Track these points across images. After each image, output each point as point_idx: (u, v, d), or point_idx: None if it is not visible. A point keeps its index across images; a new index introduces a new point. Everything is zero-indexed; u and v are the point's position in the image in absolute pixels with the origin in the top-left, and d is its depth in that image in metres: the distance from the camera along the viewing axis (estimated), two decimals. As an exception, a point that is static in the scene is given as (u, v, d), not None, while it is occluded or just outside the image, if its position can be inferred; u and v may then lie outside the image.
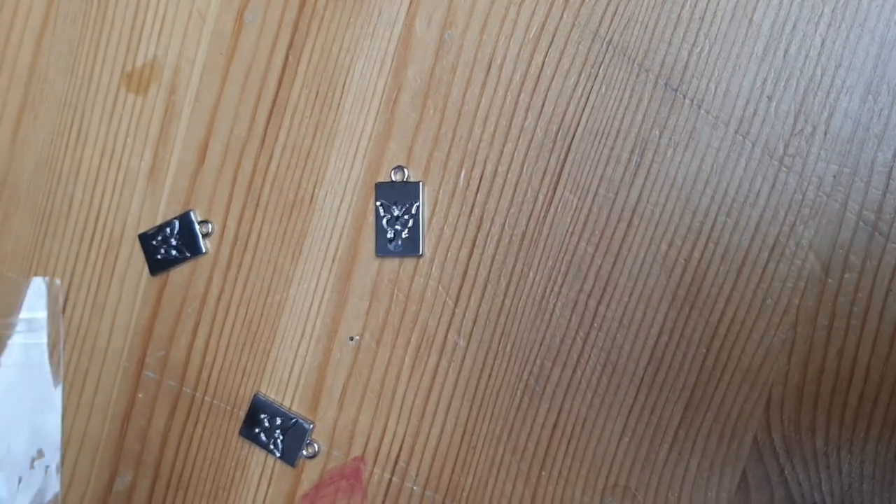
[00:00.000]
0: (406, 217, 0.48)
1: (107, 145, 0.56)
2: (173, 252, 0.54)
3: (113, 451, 0.56)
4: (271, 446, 0.51)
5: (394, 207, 0.49)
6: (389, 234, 0.49)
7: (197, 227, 0.53)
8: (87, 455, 0.57)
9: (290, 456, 0.51)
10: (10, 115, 0.58)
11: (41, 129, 0.57)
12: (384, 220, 0.49)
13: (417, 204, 0.48)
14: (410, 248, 0.48)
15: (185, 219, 0.54)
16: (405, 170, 0.49)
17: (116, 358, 0.56)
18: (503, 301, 0.48)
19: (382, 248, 0.49)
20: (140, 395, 0.56)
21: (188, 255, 0.53)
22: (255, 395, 0.52)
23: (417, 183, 0.48)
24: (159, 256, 0.54)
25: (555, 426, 0.47)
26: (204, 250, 0.53)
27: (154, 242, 0.55)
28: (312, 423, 0.51)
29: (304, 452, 0.51)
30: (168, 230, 0.54)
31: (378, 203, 0.49)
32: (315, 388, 0.51)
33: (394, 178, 0.49)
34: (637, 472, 0.46)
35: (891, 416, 0.43)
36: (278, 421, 0.51)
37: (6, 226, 0.58)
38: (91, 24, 0.56)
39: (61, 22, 0.57)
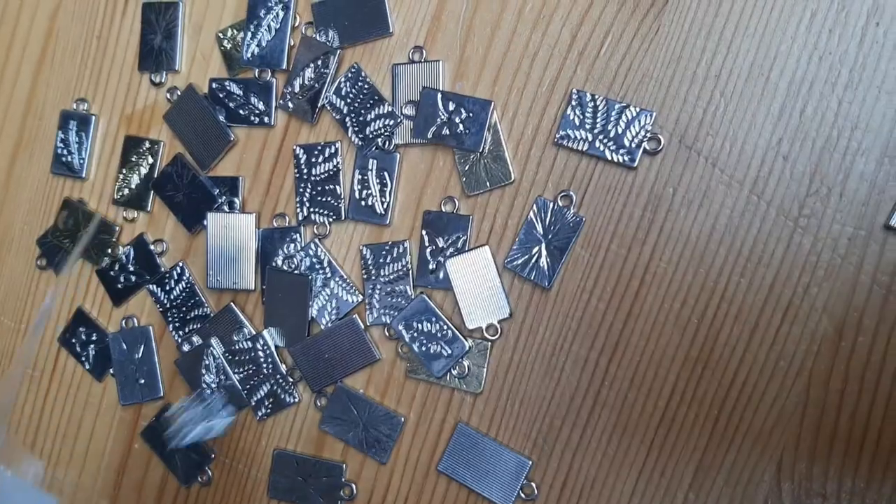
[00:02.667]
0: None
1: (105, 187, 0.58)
2: (133, 278, 0.57)
3: None
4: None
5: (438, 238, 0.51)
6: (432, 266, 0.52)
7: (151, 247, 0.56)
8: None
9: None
10: (4, 151, 0.61)
11: (36, 168, 0.60)
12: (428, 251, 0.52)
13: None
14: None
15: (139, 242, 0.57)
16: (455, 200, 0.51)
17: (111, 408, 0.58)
18: (511, 356, 0.50)
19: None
20: (136, 446, 0.58)
21: (148, 278, 0.56)
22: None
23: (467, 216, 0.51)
24: (120, 286, 0.57)
25: (563, 486, 0.50)
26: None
27: (112, 273, 0.57)
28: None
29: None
30: (124, 259, 0.57)
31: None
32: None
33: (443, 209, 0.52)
34: (647, 534, 0.49)
35: (904, 483, 0.45)
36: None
37: (-1, 267, 0.60)
38: (90, 61, 0.59)
39: (59, 56, 0.60)
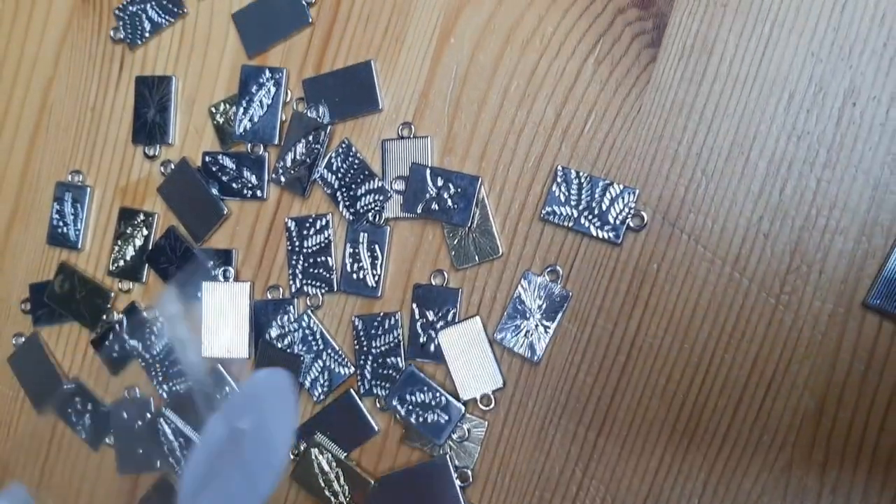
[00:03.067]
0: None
1: (100, 258, 0.60)
2: (127, 347, 0.59)
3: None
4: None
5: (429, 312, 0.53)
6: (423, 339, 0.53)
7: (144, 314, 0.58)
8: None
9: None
10: (1, 221, 0.63)
11: (32, 238, 0.62)
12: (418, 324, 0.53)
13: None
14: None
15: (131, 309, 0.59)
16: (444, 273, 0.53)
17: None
18: (501, 430, 0.52)
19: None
20: (132, 512, 0.60)
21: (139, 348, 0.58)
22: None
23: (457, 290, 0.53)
24: (115, 354, 0.59)
25: (554, 557, 0.51)
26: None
27: (107, 343, 0.59)
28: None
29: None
30: (118, 328, 0.59)
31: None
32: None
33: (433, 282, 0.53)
34: None
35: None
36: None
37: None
38: (84, 133, 0.61)
39: (54, 128, 0.61)
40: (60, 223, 0.61)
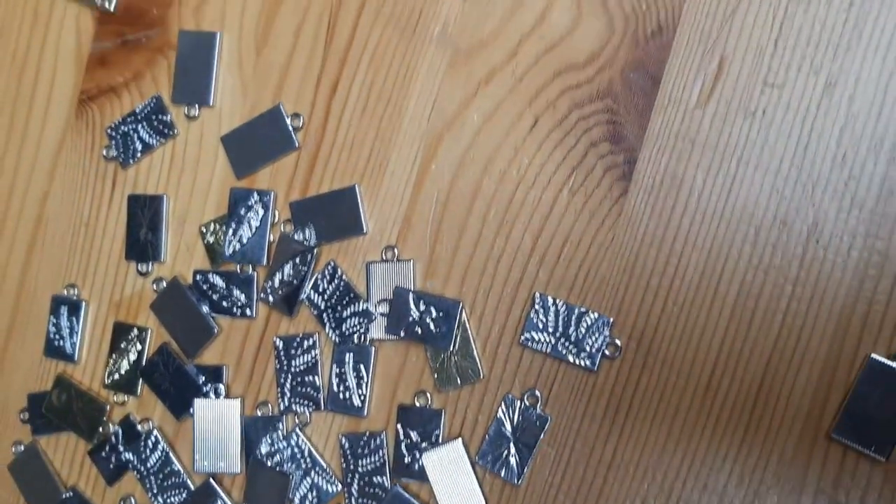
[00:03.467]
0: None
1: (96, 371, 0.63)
2: (122, 458, 0.62)
3: None
4: None
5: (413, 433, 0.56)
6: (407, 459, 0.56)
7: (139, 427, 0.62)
8: None
9: None
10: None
11: (30, 350, 0.65)
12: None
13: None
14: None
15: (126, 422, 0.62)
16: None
17: None
18: (485, 548, 0.54)
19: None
20: None
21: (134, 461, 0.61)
22: None
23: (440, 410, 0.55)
24: (112, 466, 0.63)
25: None
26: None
27: (103, 454, 0.62)
28: None
29: None
30: (113, 439, 0.62)
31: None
32: None
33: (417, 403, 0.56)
34: None
35: None
36: None
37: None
38: (79, 248, 0.64)
39: (49, 241, 0.64)
40: (57, 336, 0.64)
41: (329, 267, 0.57)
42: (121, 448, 0.62)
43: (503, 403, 0.54)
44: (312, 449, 0.58)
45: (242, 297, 0.59)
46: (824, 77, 0.49)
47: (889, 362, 0.47)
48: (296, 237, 0.58)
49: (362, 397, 0.57)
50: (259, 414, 0.59)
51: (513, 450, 0.54)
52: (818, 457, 0.49)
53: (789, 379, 0.50)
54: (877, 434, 0.47)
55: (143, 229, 0.62)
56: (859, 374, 0.48)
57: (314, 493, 0.58)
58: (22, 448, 0.65)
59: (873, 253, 0.48)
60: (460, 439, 0.55)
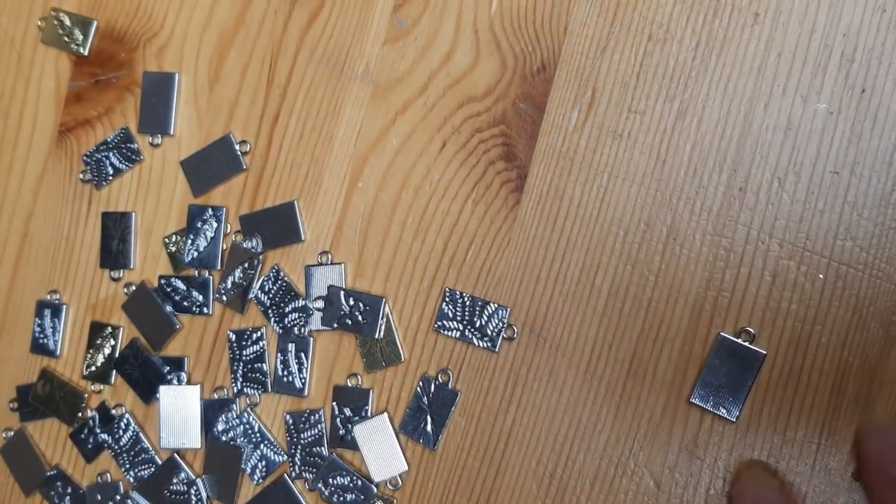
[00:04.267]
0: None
1: (76, 364, 0.65)
2: (99, 439, 0.65)
3: None
4: None
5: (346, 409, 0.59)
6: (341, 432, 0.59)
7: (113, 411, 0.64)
8: None
9: None
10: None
11: (17, 349, 0.67)
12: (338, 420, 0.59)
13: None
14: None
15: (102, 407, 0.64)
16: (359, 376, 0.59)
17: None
18: (408, 504, 0.57)
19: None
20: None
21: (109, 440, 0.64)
22: None
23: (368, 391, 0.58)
24: (90, 446, 0.66)
25: None
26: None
27: (82, 436, 0.65)
28: None
29: None
30: (91, 423, 0.66)
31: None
32: None
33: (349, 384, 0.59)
34: None
35: None
36: None
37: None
38: (60, 259, 0.66)
39: (34, 254, 0.67)
40: (41, 335, 0.66)
41: (273, 270, 0.60)
42: (97, 430, 0.64)
43: (421, 382, 0.57)
44: (261, 426, 0.60)
45: (200, 298, 0.62)
46: (677, 104, 0.53)
47: (735, 339, 0.51)
48: (245, 245, 0.61)
49: (303, 380, 0.59)
50: (216, 397, 0.62)
51: (429, 421, 0.57)
52: (680, 420, 0.52)
53: (654, 355, 0.53)
54: (727, 399, 0.51)
55: (115, 241, 0.64)
56: (711, 349, 0.52)
57: (263, 463, 0.60)
58: (12, 434, 0.67)
59: (720, 248, 0.52)
60: (385, 413, 0.57)
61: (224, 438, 0.60)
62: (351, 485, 0.58)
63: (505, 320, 0.55)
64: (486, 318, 0.56)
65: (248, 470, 0.60)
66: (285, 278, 0.60)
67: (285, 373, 0.59)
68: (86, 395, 0.65)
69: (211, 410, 0.61)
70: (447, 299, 0.56)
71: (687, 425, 0.52)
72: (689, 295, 0.52)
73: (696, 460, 0.52)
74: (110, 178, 0.65)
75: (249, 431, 0.60)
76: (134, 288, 0.64)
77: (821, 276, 0.51)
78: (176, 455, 0.62)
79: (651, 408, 0.53)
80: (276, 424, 0.60)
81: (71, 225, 0.66)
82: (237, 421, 0.60)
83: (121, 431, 0.63)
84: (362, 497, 0.57)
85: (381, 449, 0.57)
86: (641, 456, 0.53)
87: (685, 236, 0.53)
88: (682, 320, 0.52)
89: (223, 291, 0.61)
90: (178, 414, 0.62)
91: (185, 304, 0.62)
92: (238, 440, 0.60)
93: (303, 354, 0.59)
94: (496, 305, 0.55)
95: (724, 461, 0.52)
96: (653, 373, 0.53)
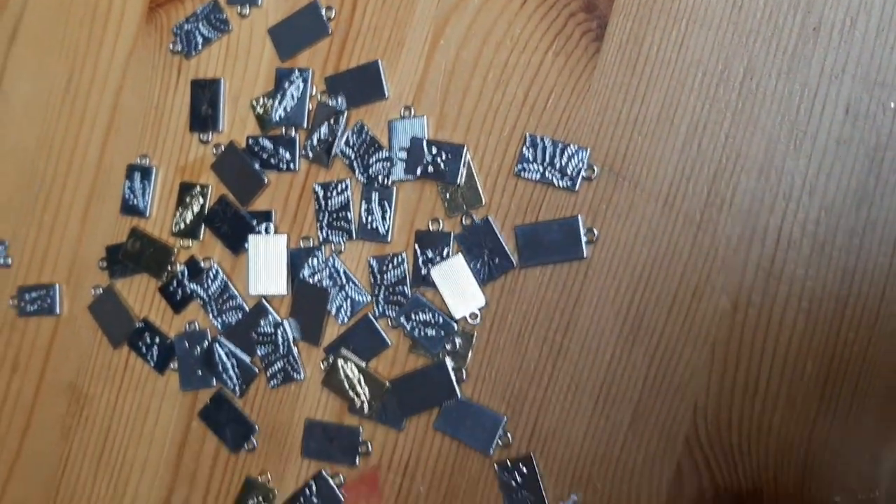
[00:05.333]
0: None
1: (164, 223, 0.59)
2: (188, 291, 0.58)
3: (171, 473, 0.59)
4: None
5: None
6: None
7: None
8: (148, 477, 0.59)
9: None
10: (80, 200, 0.61)
11: (108, 212, 0.61)
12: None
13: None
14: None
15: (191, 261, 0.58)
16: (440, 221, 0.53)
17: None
18: (487, 338, 0.52)
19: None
20: (194, 424, 0.58)
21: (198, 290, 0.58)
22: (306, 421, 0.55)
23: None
24: (178, 298, 0.60)
25: (531, 435, 0.52)
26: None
27: (171, 288, 0.60)
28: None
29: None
30: (180, 276, 0.59)
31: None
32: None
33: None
34: (596, 467, 0.50)
35: (786, 416, 0.48)
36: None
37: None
38: (150, 126, 0.60)
39: (124, 124, 0.60)
40: (131, 197, 0.60)
41: (357, 125, 0.55)
42: (186, 282, 0.58)
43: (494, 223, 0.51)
44: (346, 269, 0.55)
45: (287, 155, 0.56)
46: (755, -51, 0.48)
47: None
48: (330, 104, 0.55)
49: (386, 227, 0.54)
50: (302, 246, 0.56)
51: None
52: (757, 244, 0.47)
53: (732, 185, 0.49)
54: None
55: (204, 106, 0.59)
56: (787, 175, 0.46)
57: (348, 303, 0.55)
58: (101, 290, 0.61)
59: (795, 84, 0.48)
60: (460, 254, 0.52)
61: (311, 282, 0.54)
62: (432, 320, 0.52)
63: (585, 160, 0.50)
64: (566, 159, 0.51)
65: (334, 311, 0.55)
66: (369, 132, 0.54)
67: (369, 220, 0.54)
68: (175, 251, 0.59)
69: (297, 258, 0.56)
70: (528, 144, 0.51)
71: (764, 248, 0.47)
72: (764, 128, 0.48)
73: (772, 282, 0.47)
74: (199, 47, 0.59)
75: (335, 275, 0.55)
76: (223, 148, 0.57)
77: (892, 104, 0.46)
78: (263, 300, 0.56)
79: (728, 235, 0.48)
80: (360, 269, 0.55)
81: (160, 94, 0.61)
82: (322, 265, 0.55)
83: (209, 281, 0.57)
84: (443, 333, 0.52)
85: (458, 285, 0.52)
86: (719, 281, 0.48)
87: (761, 75, 0.48)
88: (758, 153, 0.48)
89: (309, 148, 0.56)
90: (266, 262, 0.56)
91: (273, 161, 0.56)
92: (324, 283, 0.54)
93: (386, 202, 0.54)
94: (577, 146, 0.50)
95: (801, 281, 0.47)
96: (730, 202, 0.48)
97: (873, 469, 0.46)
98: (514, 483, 0.52)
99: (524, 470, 0.52)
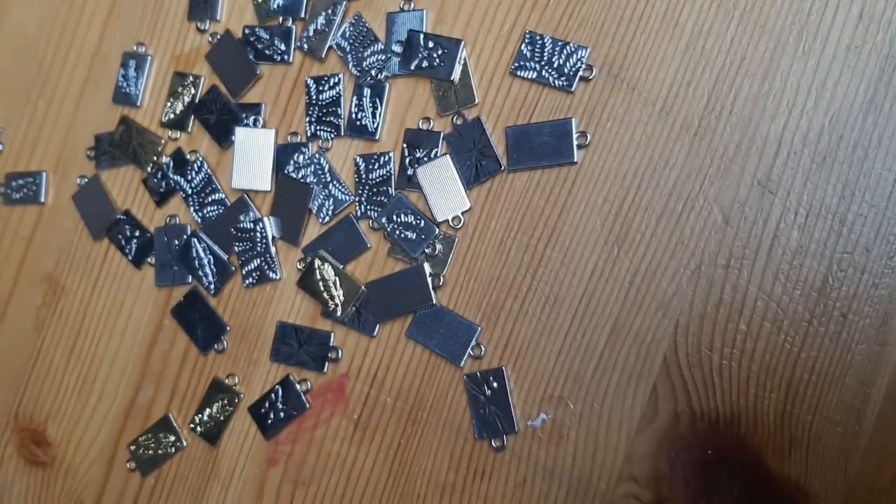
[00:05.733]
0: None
1: (155, 113, 0.67)
2: (172, 184, 0.66)
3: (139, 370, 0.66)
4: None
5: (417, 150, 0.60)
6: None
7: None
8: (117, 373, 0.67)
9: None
10: (74, 87, 0.70)
11: (101, 98, 0.68)
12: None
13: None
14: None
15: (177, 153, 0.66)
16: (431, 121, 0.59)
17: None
18: (469, 244, 0.58)
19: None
20: (166, 322, 0.66)
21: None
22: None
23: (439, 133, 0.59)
24: (162, 190, 0.67)
25: (505, 347, 0.57)
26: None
27: (155, 180, 0.67)
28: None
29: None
30: (165, 168, 0.66)
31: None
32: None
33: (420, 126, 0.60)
34: (569, 385, 0.55)
35: (771, 339, 0.52)
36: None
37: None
38: (149, 14, 0.67)
39: (124, 11, 0.68)
40: (124, 84, 0.68)
41: (355, 17, 0.61)
42: (171, 174, 0.65)
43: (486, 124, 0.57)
44: (331, 167, 0.61)
45: (282, 46, 0.63)
46: None
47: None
48: (329, -8, 0.61)
49: (375, 124, 0.60)
50: (289, 141, 0.62)
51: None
52: (755, 153, 0.51)
53: (734, 91, 0.53)
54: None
55: (204, -7, 0.66)
56: (791, 80, 0.51)
57: (330, 203, 0.61)
58: (86, 180, 0.68)
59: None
60: (448, 155, 0.58)
61: (295, 178, 0.61)
62: (414, 223, 0.58)
63: (584, 60, 0.55)
64: (564, 58, 0.56)
65: (315, 209, 0.61)
66: (367, 24, 0.60)
67: (359, 116, 0.60)
68: (162, 141, 0.66)
69: (283, 154, 0.62)
70: (527, 41, 0.57)
71: (762, 159, 0.51)
72: (772, 31, 0.52)
73: (767, 195, 0.51)
74: (205, -67, 0.66)
75: (319, 172, 0.61)
76: (219, 37, 0.64)
77: (912, 10, 0.50)
78: (245, 196, 0.63)
79: (725, 143, 0.52)
80: (346, 169, 0.61)
81: (164, -19, 0.67)
82: (308, 161, 0.61)
83: (193, 173, 0.65)
84: (423, 236, 0.58)
85: (443, 188, 0.58)
86: (711, 192, 0.52)
87: (774, -25, 0.52)
88: (765, 55, 0.52)
89: (305, 39, 0.62)
90: (252, 156, 0.63)
91: (267, 52, 0.63)
92: (307, 180, 0.61)
93: (378, 99, 0.60)
94: (576, 45, 0.55)
95: (798, 194, 0.51)
96: (730, 109, 0.52)
97: (861, 399, 0.50)
98: (482, 397, 0.57)
99: (494, 384, 0.57)
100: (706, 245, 0.52)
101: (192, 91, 0.66)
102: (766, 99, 0.52)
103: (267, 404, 0.62)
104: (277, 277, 0.62)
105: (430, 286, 0.58)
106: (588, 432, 0.54)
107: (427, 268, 0.58)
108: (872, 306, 0.50)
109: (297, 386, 0.61)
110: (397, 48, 0.59)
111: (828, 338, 0.50)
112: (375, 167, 0.59)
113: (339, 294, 0.60)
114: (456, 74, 0.58)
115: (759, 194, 0.51)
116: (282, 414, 0.61)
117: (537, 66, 0.56)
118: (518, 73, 0.57)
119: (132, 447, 0.65)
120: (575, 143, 0.55)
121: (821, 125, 0.51)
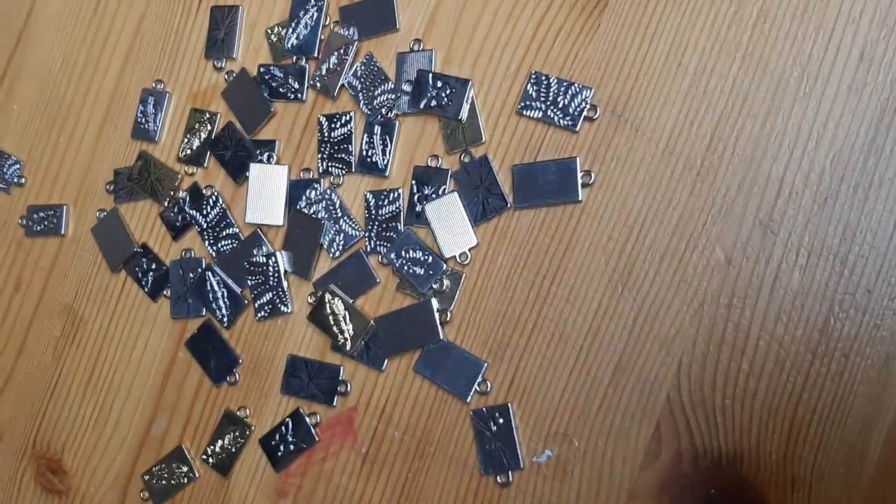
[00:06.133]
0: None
1: (172, 148, 0.69)
2: (188, 217, 0.67)
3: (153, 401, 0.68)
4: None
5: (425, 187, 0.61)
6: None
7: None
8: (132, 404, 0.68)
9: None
10: (94, 122, 0.72)
11: (119, 134, 0.70)
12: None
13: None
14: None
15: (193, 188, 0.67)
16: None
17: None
18: (475, 280, 0.59)
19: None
20: (180, 355, 0.67)
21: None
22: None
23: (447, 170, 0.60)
24: (178, 224, 0.68)
25: (511, 383, 0.58)
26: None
27: (172, 214, 0.68)
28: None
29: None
30: (181, 202, 0.68)
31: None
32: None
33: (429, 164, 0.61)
34: (574, 422, 0.56)
35: (773, 378, 0.52)
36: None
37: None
38: (168, 52, 0.69)
39: (144, 49, 0.70)
40: (143, 121, 0.70)
41: (366, 57, 0.62)
42: (187, 208, 0.67)
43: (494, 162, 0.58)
44: (343, 202, 0.62)
45: (296, 84, 0.65)
46: None
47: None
48: (341, 33, 0.63)
49: (385, 161, 0.62)
50: (302, 177, 0.64)
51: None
52: (757, 194, 0.52)
53: (736, 131, 0.53)
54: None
55: (221, 33, 0.68)
56: (792, 121, 0.51)
57: (341, 238, 0.62)
58: (105, 213, 0.70)
59: (810, 27, 0.53)
60: (456, 192, 0.59)
61: (307, 213, 0.63)
62: (422, 258, 0.59)
63: (588, 100, 0.57)
64: (569, 98, 0.57)
65: (326, 244, 0.62)
66: (378, 64, 0.62)
67: (369, 153, 0.62)
68: (179, 176, 0.68)
69: (296, 190, 0.64)
70: (533, 81, 0.58)
71: (763, 199, 0.52)
72: (774, 72, 0.53)
73: (769, 235, 0.52)
74: (221, -25, 0.68)
75: (331, 207, 0.62)
76: (235, 75, 0.66)
77: (912, 52, 0.50)
78: (258, 230, 0.64)
79: (727, 183, 0.53)
80: (357, 204, 0.63)
81: (181, 21, 0.70)
82: (319, 197, 0.63)
83: (208, 208, 0.66)
84: (431, 272, 0.59)
85: (451, 224, 0.59)
86: (714, 231, 0.53)
87: (775, 17, 0.53)
88: (766, 97, 0.53)
89: (318, 78, 0.64)
90: (265, 191, 0.64)
91: (281, 90, 0.65)
92: (319, 215, 0.62)
93: (388, 136, 0.62)
94: (580, 85, 0.57)
95: (799, 235, 0.52)
96: (732, 149, 0.53)
97: (863, 439, 0.51)
98: (488, 433, 0.58)
99: (500, 420, 0.58)
100: (709, 284, 0.53)
101: (209, 127, 0.67)
102: (768, 139, 0.52)
103: (277, 437, 0.63)
104: (289, 311, 0.63)
105: (438, 322, 0.59)
106: (592, 470, 0.55)
107: (435, 303, 0.59)
108: (874, 347, 0.50)
109: (307, 419, 0.62)
110: (407, 87, 0.61)
111: (830, 378, 0.50)
112: (385, 203, 0.61)
113: (348, 328, 0.61)
114: (464, 113, 0.59)
115: (761, 234, 0.52)
116: (292, 447, 0.62)
117: (543, 105, 0.57)
118: (524, 112, 0.58)
119: (146, 477, 0.66)
120: (579, 181, 0.56)
121: (822, 166, 0.51)
